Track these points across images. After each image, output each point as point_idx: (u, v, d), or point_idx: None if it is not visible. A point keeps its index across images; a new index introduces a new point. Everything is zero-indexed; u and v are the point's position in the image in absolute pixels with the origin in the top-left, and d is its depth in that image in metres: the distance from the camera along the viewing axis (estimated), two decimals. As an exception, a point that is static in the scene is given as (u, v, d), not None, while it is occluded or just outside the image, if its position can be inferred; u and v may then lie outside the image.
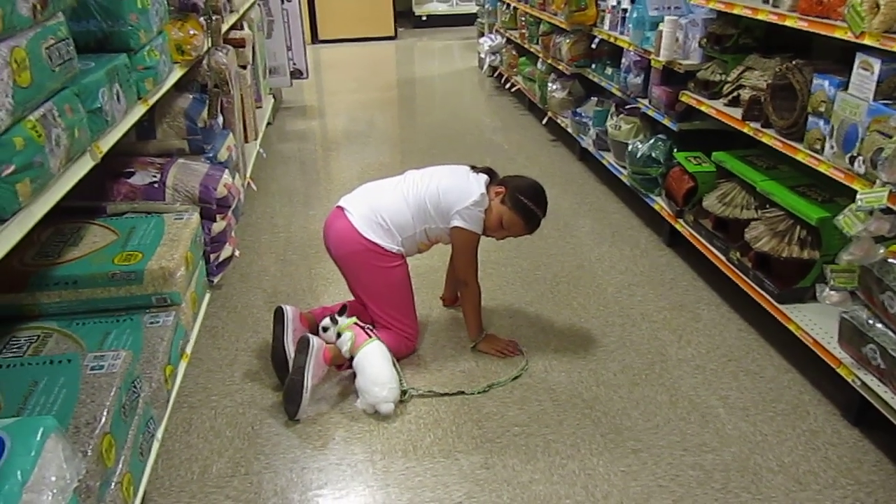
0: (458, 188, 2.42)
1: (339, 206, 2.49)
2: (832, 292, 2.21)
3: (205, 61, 3.13)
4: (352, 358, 2.31)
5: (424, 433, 2.20)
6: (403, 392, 2.33)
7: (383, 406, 2.23)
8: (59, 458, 1.15)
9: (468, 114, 6.07)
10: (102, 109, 1.85)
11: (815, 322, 2.39)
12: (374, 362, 2.27)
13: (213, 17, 3.20)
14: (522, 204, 2.42)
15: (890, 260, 1.97)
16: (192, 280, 2.37)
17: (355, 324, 2.36)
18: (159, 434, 1.93)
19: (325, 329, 2.39)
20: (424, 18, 10.51)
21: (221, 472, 2.06)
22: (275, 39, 5.70)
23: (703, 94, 3.07)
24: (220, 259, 2.79)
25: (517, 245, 3.22)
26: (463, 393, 2.36)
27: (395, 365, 2.34)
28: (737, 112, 2.80)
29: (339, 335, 2.35)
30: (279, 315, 2.43)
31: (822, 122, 2.29)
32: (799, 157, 2.39)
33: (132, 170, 2.59)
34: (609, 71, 4.18)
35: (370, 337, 2.33)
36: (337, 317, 2.39)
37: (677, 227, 3.26)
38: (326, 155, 5.13)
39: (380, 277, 2.44)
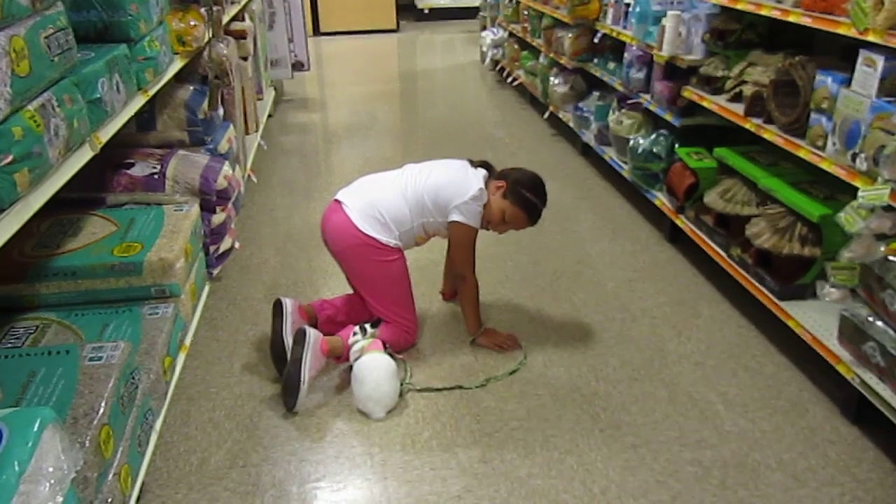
0: (456, 183, 2.41)
1: (336, 200, 2.48)
2: (832, 289, 2.21)
3: (205, 52, 3.12)
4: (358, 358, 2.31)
5: (423, 427, 2.20)
6: (401, 384, 2.33)
7: (375, 413, 2.22)
8: (57, 448, 1.15)
9: (470, 107, 6.06)
10: (102, 100, 1.84)
11: (815, 319, 2.39)
12: (374, 376, 2.23)
13: (214, 8, 3.19)
14: (524, 197, 2.42)
15: (890, 258, 1.96)
16: (192, 272, 2.37)
17: (376, 340, 2.36)
18: (157, 425, 1.93)
19: (355, 334, 2.39)
20: (427, 11, 10.50)
21: (220, 463, 2.06)
22: (276, 31, 5.69)
23: (706, 90, 3.06)
24: (220, 251, 2.79)
25: (517, 239, 3.21)
26: (461, 387, 2.37)
27: (402, 363, 2.34)
28: (739, 108, 2.79)
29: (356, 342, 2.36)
30: (278, 307, 2.42)
31: (824, 119, 2.28)
32: (801, 154, 2.39)
33: (132, 161, 2.59)
34: (611, 66, 4.17)
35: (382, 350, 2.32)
36: (368, 327, 2.40)
37: (678, 222, 3.26)
38: (327, 147, 5.12)
39: (378, 271, 2.43)
